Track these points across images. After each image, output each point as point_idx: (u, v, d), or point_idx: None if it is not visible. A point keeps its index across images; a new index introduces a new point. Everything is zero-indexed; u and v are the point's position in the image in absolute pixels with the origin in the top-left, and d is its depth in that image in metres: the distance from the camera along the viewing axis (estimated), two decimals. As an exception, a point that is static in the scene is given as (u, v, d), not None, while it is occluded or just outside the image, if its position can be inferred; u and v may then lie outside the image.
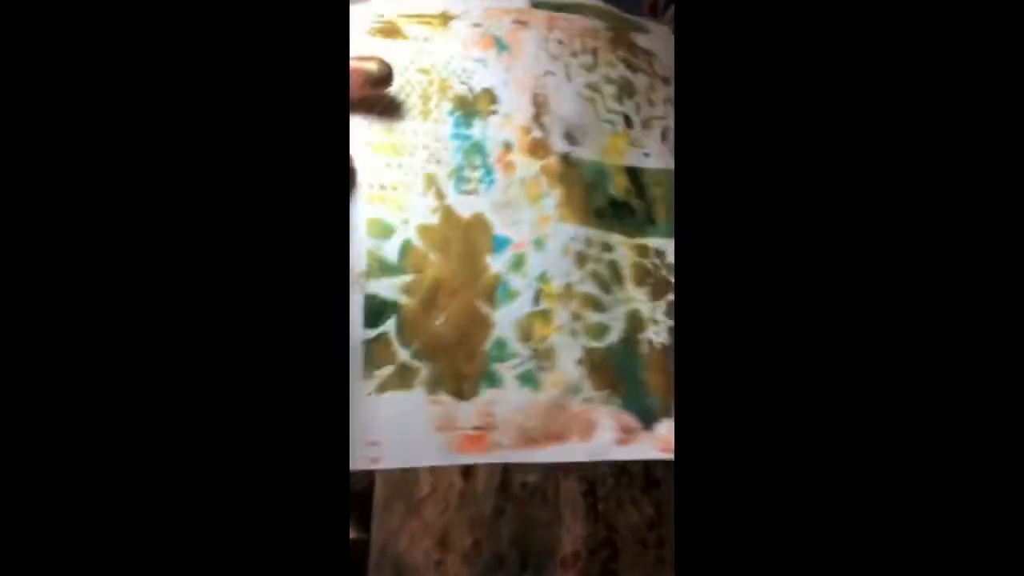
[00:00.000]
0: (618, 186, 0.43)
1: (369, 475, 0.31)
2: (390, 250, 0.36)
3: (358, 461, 0.31)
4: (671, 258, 0.41)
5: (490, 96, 0.43)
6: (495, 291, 0.37)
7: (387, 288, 0.35)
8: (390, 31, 0.44)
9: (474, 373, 0.34)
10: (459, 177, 0.40)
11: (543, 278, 0.38)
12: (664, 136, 0.47)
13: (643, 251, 0.41)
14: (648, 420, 0.35)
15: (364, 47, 0.42)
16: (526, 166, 0.41)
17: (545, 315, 0.37)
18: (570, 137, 0.43)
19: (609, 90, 0.46)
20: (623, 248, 0.40)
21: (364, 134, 0.39)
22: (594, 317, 0.37)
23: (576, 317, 0.37)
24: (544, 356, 0.35)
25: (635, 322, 0.38)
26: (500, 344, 0.35)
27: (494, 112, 0.43)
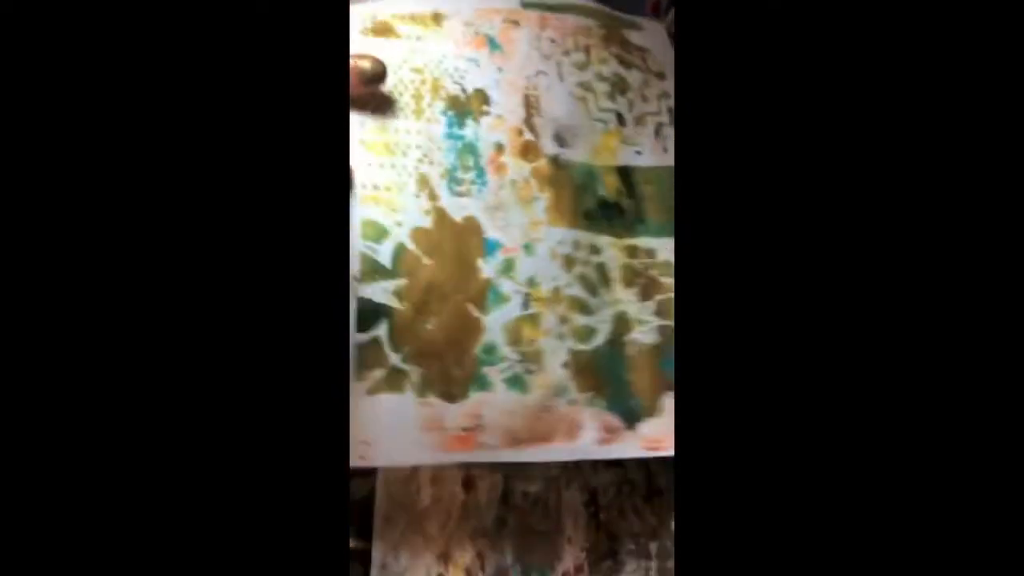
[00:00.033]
0: (608, 186, 0.43)
1: (369, 483, 0.32)
2: (383, 253, 0.37)
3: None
4: (661, 257, 0.42)
5: (483, 96, 0.44)
6: (486, 296, 0.38)
7: (379, 292, 0.36)
8: (383, 30, 0.44)
9: (464, 376, 0.35)
10: (452, 178, 0.40)
11: (532, 282, 0.39)
12: (658, 132, 0.47)
13: (632, 251, 0.42)
14: (631, 420, 0.36)
15: (357, 46, 0.42)
16: (517, 168, 0.42)
17: (533, 319, 0.38)
18: (560, 139, 0.44)
19: (602, 88, 0.47)
20: (612, 250, 0.41)
21: (357, 132, 0.40)
22: (581, 320, 0.38)
23: (563, 320, 0.38)
24: (532, 359, 0.36)
25: (622, 324, 0.39)
26: (489, 348, 0.36)
27: (486, 113, 0.43)
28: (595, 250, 0.41)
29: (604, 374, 0.37)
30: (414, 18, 0.45)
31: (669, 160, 0.46)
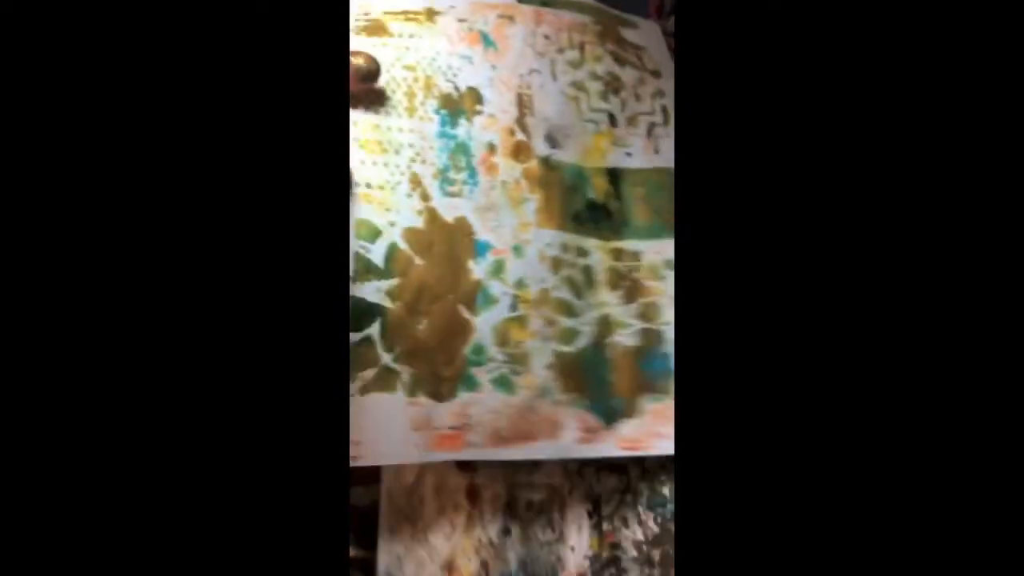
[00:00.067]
0: (597, 188, 0.44)
1: (373, 493, 0.33)
2: (377, 253, 0.38)
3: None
4: (646, 260, 0.43)
5: (475, 95, 0.44)
6: (476, 297, 0.39)
7: (372, 292, 0.37)
8: (375, 29, 0.44)
9: (452, 376, 0.37)
10: (444, 178, 0.41)
11: (520, 284, 0.40)
12: (650, 132, 0.47)
13: (618, 254, 0.43)
14: (610, 420, 0.38)
15: (351, 43, 0.42)
16: (508, 169, 0.43)
17: (521, 321, 0.39)
18: (552, 139, 0.44)
19: (595, 87, 0.47)
20: (598, 252, 0.42)
21: (351, 130, 0.40)
22: (566, 322, 0.40)
23: (549, 323, 0.40)
24: (518, 361, 0.38)
25: (605, 326, 0.41)
26: (478, 349, 0.38)
27: (479, 112, 0.44)
28: (582, 252, 0.42)
29: (587, 375, 0.39)
30: (407, 15, 0.44)
31: (659, 161, 0.47)
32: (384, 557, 0.33)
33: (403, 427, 0.35)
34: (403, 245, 0.39)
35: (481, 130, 0.43)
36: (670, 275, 0.43)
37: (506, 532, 0.34)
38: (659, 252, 0.43)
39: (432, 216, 0.40)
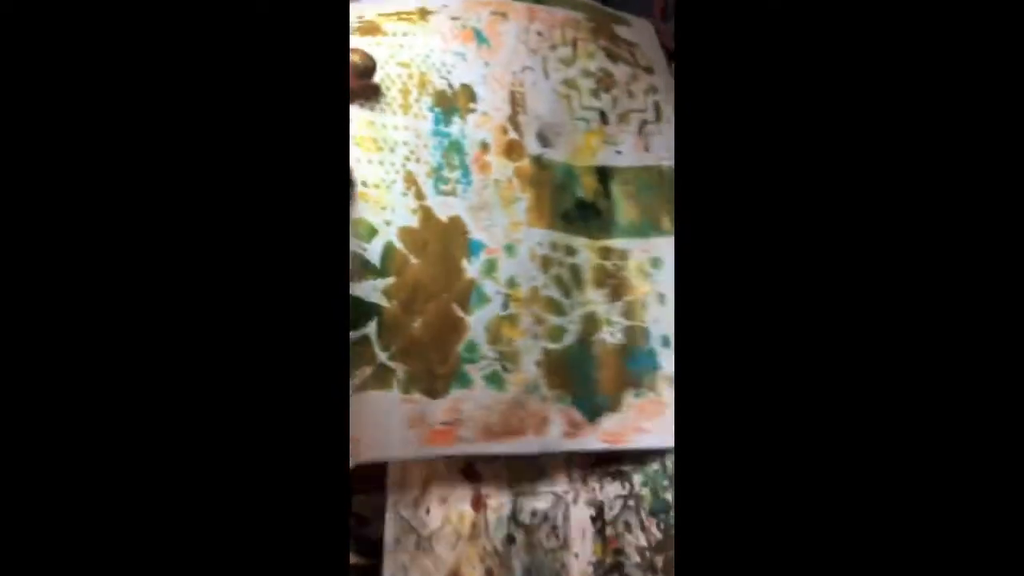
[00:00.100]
0: (587, 187, 0.45)
1: (379, 504, 0.34)
2: (373, 252, 0.39)
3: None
4: (633, 259, 0.45)
5: (469, 92, 0.45)
6: (469, 296, 0.40)
7: (369, 290, 0.39)
8: (369, 29, 0.44)
9: (446, 373, 0.39)
10: (438, 177, 0.42)
11: (512, 283, 0.41)
12: (641, 129, 0.48)
13: (605, 253, 0.44)
14: (593, 415, 0.40)
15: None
16: (501, 168, 0.44)
17: (512, 319, 0.41)
18: (543, 138, 0.45)
19: (587, 84, 0.48)
20: (586, 251, 0.44)
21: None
22: (554, 320, 0.42)
23: (538, 321, 0.41)
24: (509, 358, 0.40)
25: (591, 324, 0.42)
26: (471, 347, 0.39)
27: (472, 110, 0.44)
28: (571, 251, 0.44)
29: (573, 372, 0.41)
30: (400, 15, 0.45)
31: (649, 159, 0.48)
32: (389, 566, 0.34)
33: (398, 424, 0.37)
34: (399, 244, 0.40)
35: (474, 128, 0.44)
36: (656, 273, 0.44)
37: (511, 540, 0.35)
38: (646, 251, 0.45)
39: (427, 215, 0.41)
